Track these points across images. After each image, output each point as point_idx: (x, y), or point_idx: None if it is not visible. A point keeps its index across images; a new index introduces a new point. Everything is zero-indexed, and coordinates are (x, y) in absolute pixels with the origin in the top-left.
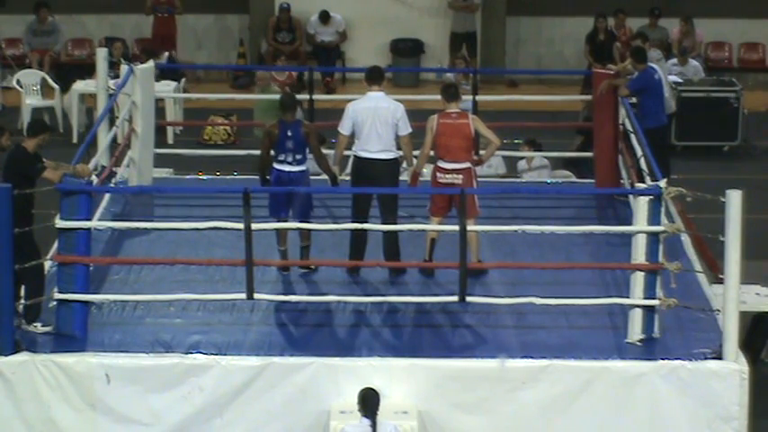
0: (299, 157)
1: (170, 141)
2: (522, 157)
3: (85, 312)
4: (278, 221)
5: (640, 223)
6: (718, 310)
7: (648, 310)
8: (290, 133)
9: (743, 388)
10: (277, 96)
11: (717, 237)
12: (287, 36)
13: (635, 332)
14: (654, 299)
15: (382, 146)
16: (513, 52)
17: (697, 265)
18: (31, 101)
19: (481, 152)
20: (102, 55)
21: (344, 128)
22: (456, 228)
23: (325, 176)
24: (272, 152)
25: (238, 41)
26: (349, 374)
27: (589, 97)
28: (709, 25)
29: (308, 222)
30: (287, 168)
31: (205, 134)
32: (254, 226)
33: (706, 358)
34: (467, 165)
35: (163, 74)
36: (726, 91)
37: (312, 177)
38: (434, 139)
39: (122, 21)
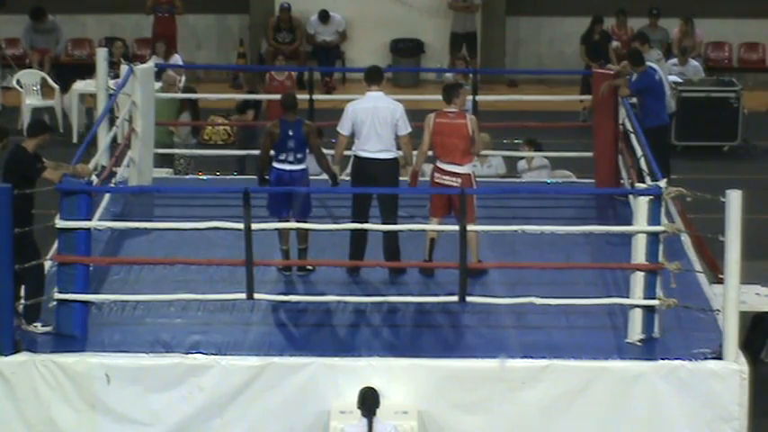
0: (299, 156)
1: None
2: (522, 157)
3: (85, 312)
4: (279, 221)
5: (640, 223)
6: (718, 310)
7: (648, 310)
8: (291, 132)
9: (743, 388)
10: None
11: (717, 237)
12: (287, 36)
13: (635, 332)
14: (654, 299)
15: (382, 146)
16: (513, 52)
17: (697, 265)
18: (31, 101)
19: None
20: (102, 55)
21: (344, 128)
22: (456, 228)
23: (325, 176)
24: (272, 152)
25: (238, 41)
26: (349, 374)
27: (589, 97)
28: (709, 25)
29: (306, 222)
30: (288, 168)
31: (205, 134)
32: (253, 226)
33: (706, 358)
34: (466, 170)
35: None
36: (726, 91)
37: (312, 177)
38: (431, 137)
39: (122, 21)
